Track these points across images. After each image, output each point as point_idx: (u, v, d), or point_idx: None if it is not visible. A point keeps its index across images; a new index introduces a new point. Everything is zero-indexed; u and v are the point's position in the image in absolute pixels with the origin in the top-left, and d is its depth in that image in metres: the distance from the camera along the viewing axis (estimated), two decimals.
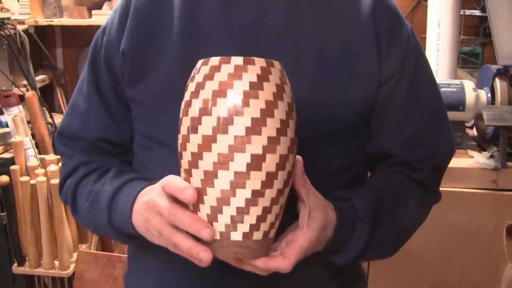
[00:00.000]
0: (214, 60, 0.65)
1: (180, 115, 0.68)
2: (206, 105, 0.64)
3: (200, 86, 0.65)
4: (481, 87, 1.78)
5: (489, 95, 1.74)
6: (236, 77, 0.64)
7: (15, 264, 1.92)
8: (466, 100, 1.70)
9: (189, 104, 0.66)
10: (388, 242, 0.83)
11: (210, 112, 0.63)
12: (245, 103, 0.63)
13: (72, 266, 1.86)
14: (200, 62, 0.67)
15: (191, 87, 0.67)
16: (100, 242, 1.88)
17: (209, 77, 0.65)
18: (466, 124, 1.82)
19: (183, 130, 0.66)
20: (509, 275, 1.61)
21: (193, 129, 0.65)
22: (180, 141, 0.67)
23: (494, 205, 1.61)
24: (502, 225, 1.61)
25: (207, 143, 0.63)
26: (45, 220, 1.83)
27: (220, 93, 0.63)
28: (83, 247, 1.91)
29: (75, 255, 1.88)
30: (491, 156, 1.64)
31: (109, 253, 1.75)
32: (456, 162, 1.62)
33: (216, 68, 0.65)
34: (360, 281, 0.95)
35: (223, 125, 0.63)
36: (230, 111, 0.63)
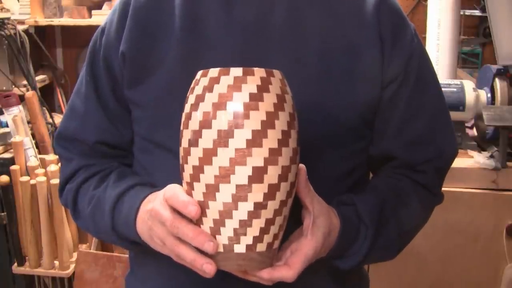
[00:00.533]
0: (213, 72, 0.65)
1: (181, 128, 0.67)
2: (206, 118, 0.63)
3: (199, 98, 0.65)
4: (481, 87, 1.78)
5: (489, 95, 1.74)
6: (236, 89, 0.63)
7: (15, 264, 1.92)
8: (466, 100, 1.70)
9: (189, 116, 0.66)
10: (391, 245, 0.83)
11: (210, 125, 0.63)
12: (245, 115, 0.62)
13: (72, 266, 1.86)
14: (199, 73, 0.67)
15: (191, 99, 0.66)
16: (100, 242, 1.87)
17: (209, 89, 0.64)
18: (466, 124, 1.82)
19: (184, 142, 0.66)
20: (509, 275, 1.61)
21: (194, 142, 0.64)
22: (181, 153, 0.67)
23: (494, 205, 1.61)
24: (502, 225, 1.61)
25: (208, 156, 0.63)
26: (45, 220, 1.83)
27: (220, 105, 0.63)
28: (83, 247, 1.90)
29: (75, 255, 1.88)
30: (491, 156, 1.64)
31: (109, 253, 1.75)
32: (456, 162, 1.60)
33: (216, 80, 0.64)
34: (362, 283, 0.95)
35: (223, 138, 0.62)
36: (230, 123, 0.62)
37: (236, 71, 0.64)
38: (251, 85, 0.64)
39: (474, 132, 1.86)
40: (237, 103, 0.63)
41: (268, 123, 0.63)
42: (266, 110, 0.63)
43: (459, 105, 1.70)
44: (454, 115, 1.65)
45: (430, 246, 1.63)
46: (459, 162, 1.64)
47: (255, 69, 0.65)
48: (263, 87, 0.64)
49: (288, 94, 0.67)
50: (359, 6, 0.82)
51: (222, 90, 0.64)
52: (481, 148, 1.75)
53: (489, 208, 1.61)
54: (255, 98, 0.63)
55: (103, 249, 1.86)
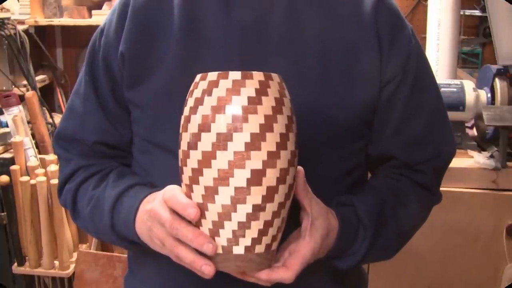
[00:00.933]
0: (212, 75, 0.65)
1: (180, 131, 0.68)
2: (205, 121, 0.64)
3: (199, 102, 0.65)
4: (481, 87, 1.78)
5: (489, 95, 1.74)
6: (235, 92, 0.64)
7: (15, 264, 1.92)
8: (466, 100, 1.70)
9: (188, 119, 0.66)
10: (390, 245, 0.83)
11: (209, 128, 0.64)
12: (244, 119, 0.63)
13: (72, 266, 1.86)
14: (198, 76, 0.67)
15: (190, 102, 0.67)
16: (100, 242, 1.87)
17: (208, 92, 0.65)
18: (466, 124, 1.82)
19: (183, 145, 0.67)
20: (509, 275, 1.61)
21: (193, 145, 0.65)
22: (180, 156, 0.68)
23: (494, 205, 1.61)
24: (502, 225, 1.61)
25: (207, 159, 0.63)
26: (45, 220, 1.83)
27: (218, 109, 0.63)
28: (83, 247, 1.90)
29: (75, 255, 1.88)
30: (491, 156, 1.64)
31: (109, 253, 1.75)
32: (456, 162, 1.61)
33: (214, 83, 0.65)
34: (361, 282, 0.95)
35: (222, 141, 0.63)
36: (229, 127, 0.63)
37: (235, 75, 0.64)
38: (250, 88, 0.64)
39: (474, 132, 1.86)
40: (236, 107, 0.63)
41: (267, 127, 0.63)
42: (264, 114, 0.64)
43: (459, 105, 1.70)
44: (454, 115, 1.65)
45: (430, 246, 1.63)
46: (459, 162, 1.64)
47: (254, 72, 0.65)
48: (262, 91, 0.64)
49: (287, 98, 0.67)
50: (357, 7, 0.82)
51: (221, 93, 0.64)
52: (481, 148, 1.74)
53: (489, 208, 1.61)
54: (254, 101, 0.63)
55: (103, 249, 1.86)
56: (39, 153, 2.04)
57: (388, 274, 1.63)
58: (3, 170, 1.91)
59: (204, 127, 0.64)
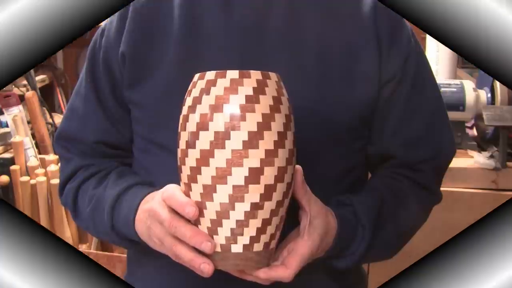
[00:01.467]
0: (210, 74, 0.66)
1: (179, 130, 0.68)
2: (203, 120, 0.64)
3: (197, 101, 0.66)
4: (481, 87, 1.78)
5: (489, 95, 1.74)
6: (232, 91, 0.64)
7: None
8: (466, 100, 1.70)
9: (186, 118, 0.67)
10: (388, 246, 0.84)
11: (207, 127, 0.64)
12: (242, 117, 0.63)
13: None
14: (196, 76, 0.68)
15: (188, 101, 0.67)
16: (100, 242, 1.87)
17: (206, 91, 0.65)
18: (466, 124, 1.82)
19: (182, 144, 0.67)
20: None
21: (191, 143, 0.65)
22: (179, 155, 0.68)
23: (494, 205, 1.60)
24: None
25: (205, 157, 0.64)
26: (45, 220, 1.83)
27: (216, 107, 0.64)
28: (83, 247, 1.90)
29: None
30: (491, 156, 1.64)
31: (109, 253, 1.75)
32: (456, 162, 1.61)
33: (212, 82, 0.65)
34: (360, 282, 0.95)
35: (220, 140, 0.63)
36: (226, 125, 0.63)
37: (233, 74, 0.65)
38: (248, 87, 0.64)
39: (474, 132, 1.86)
40: (233, 105, 0.64)
41: (264, 125, 0.64)
42: (262, 112, 0.64)
43: (459, 105, 1.70)
44: (454, 115, 1.65)
45: (430, 246, 1.62)
46: (459, 162, 1.63)
47: (251, 71, 0.65)
48: (259, 89, 0.65)
49: (284, 96, 0.67)
50: (357, 7, 0.82)
51: (219, 92, 0.64)
52: (481, 148, 1.74)
53: (489, 208, 1.60)
54: (251, 100, 0.64)
55: (103, 249, 1.86)
56: (39, 153, 2.04)
57: (388, 274, 1.62)
58: (3, 170, 1.91)
59: (203, 125, 0.64)
